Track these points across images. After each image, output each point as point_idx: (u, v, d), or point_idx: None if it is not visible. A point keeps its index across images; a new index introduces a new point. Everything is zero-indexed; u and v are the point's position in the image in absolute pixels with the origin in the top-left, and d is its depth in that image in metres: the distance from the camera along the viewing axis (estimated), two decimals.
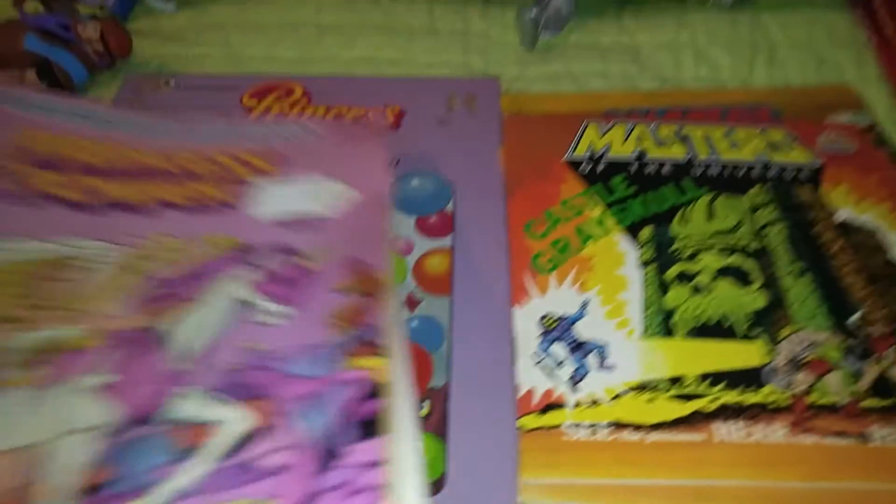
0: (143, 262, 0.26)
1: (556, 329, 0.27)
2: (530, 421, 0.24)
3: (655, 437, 0.23)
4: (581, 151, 0.33)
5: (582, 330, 0.26)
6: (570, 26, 0.44)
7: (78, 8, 0.42)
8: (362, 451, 0.20)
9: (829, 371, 0.25)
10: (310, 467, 0.20)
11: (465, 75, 0.41)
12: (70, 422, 0.21)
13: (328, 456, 0.20)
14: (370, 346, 0.23)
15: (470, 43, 0.43)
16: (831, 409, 0.24)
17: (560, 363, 0.25)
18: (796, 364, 0.26)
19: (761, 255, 0.29)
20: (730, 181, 0.32)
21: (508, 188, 0.32)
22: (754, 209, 0.31)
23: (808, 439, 0.23)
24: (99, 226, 0.27)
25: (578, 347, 0.26)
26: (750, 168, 0.32)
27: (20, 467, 0.20)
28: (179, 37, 0.44)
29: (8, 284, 0.24)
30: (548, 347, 0.26)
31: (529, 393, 0.25)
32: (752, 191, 0.31)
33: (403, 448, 0.20)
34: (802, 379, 0.25)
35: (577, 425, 0.24)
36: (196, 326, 0.23)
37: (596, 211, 0.30)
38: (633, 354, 0.25)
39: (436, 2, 0.45)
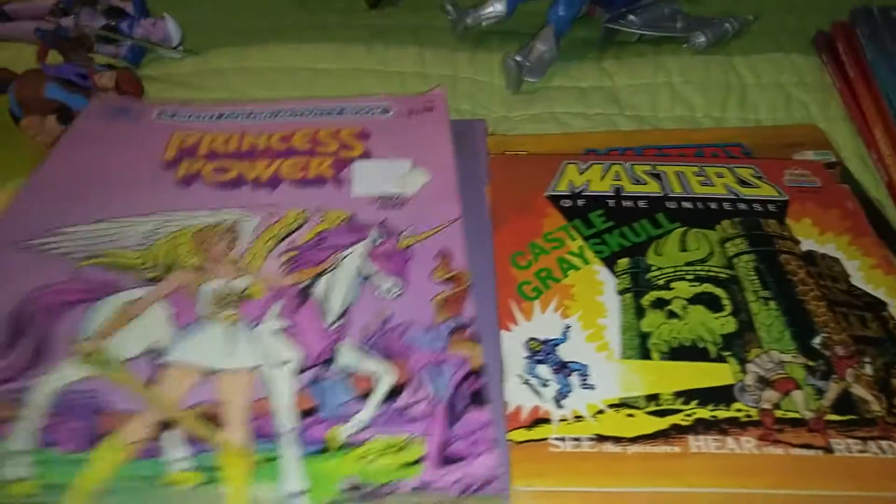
0: (279, 229, 0.33)
1: (541, 352, 0.29)
2: (519, 435, 0.26)
3: (635, 448, 0.26)
4: (562, 188, 0.37)
5: (565, 352, 0.29)
6: (552, 70, 0.48)
7: (94, 58, 0.45)
8: (476, 414, 0.26)
9: (794, 389, 0.28)
10: (442, 419, 0.25)
11: (453, 117, 0.45)
12: (272, 355, 0.27)
13: (453, 415, 0.26)
14: (463, 332, 0.29)
15: (458, 87, 0.48)
16: (797, 422, 0.27)
17: (545, 383, 0.28)
18: (764, 382, 0.28)
19: (731, 283, 0.32)
20: (701, 215, 0.35)
21: (495, 222, 0.35)
22: (724, 241, 0.34)
23: (777, 450, 0.26)
24: (237, 199, 0.35)
25: (562, 368, 0.28)
26: (720, 202, 0.36)
27: (252, 384, 0.26)
28: (186, 81, 0.48)
29: (185, 244, 0.32)
30: (534, 368, 0.28)
31: (518, 409, 0.27)
32: (723, 224, 0.34)
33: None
34: (770, 396, 0.28)
35: (562, 439, 0.26)
36: (330, 289, 0.30)
37: (576, 243, 0.33)
38: (612, 374, 0.28)
39: (426, 48, 0.50)
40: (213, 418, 0.25)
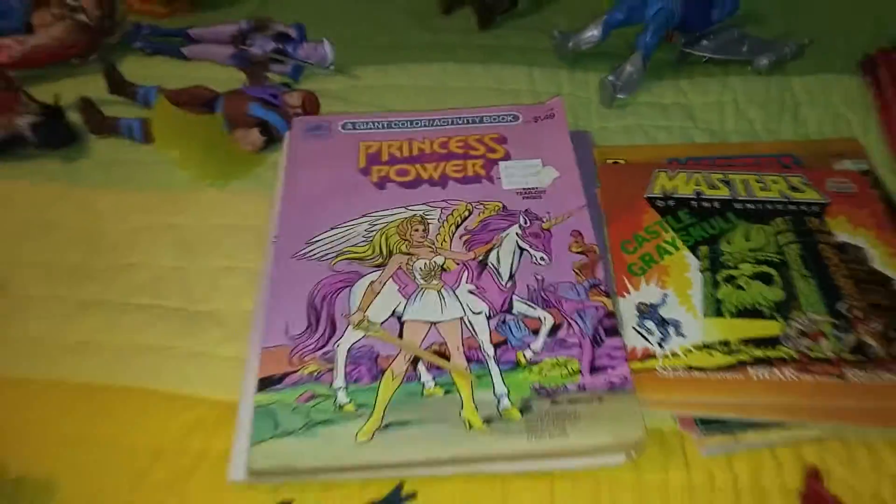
0: (455, 217, 0.48)
1: (648, 312, 0.45)
2: (634, 365, 0.42)
3: (714, 375, 0.41)
4: (656, 191, 0.51)
5: (664, 312, 0.44)
6: (639, 89, 0.62)
7: (269, 76, 0.61)
8: (612, 342, 0.42)
9: (822, 338, 0.43)
10: (589, 345, 0.41)
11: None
12: (470, 308, 0.43)
13: (596, 342, 0.41)
14: (599, 289, 0.45)
15: (561, 90, 0.62)
16: (824, 360, 0.42)
17: (651, 332, 0.43)
18: (802, 334, 0.43)
19: (781, 265, 0.47)
20: (760, 214, 0.50)
21: (607, 218, 0.50)
22: (777, 234, 0.48)
23: (807, 377, 0.41)
24: (420, 196, 0.50)
25: (662, 323, 0.44)
26: (775, 204, 0.50)
27: (461, 329, 0.43)
28: (342, 96, 0.63)
29: (394, 235, 0.48)
30: (643, 322, 0.44)
31: (633, 349, 0.43)
32: (776, 221, 0.49)
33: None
34: (806, 343, 0.43)
35: (664, 369, 0.42)
36: (499, 260, 0.46)
37: (669, 234, 0.48)
38: (697, 327, 0.43)
39: (534, 69, 0.64)
40: (442, 353, 0.42)
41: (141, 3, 0.71)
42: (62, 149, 0.58)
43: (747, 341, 0.43)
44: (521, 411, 0.39)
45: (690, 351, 0.43)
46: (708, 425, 0.41)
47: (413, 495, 0.38)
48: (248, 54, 0.62)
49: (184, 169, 0.56)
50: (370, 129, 0.56)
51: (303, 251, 0.47)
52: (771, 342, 0.43)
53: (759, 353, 0.42)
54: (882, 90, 0.60)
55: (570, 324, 0.43)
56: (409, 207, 0.50)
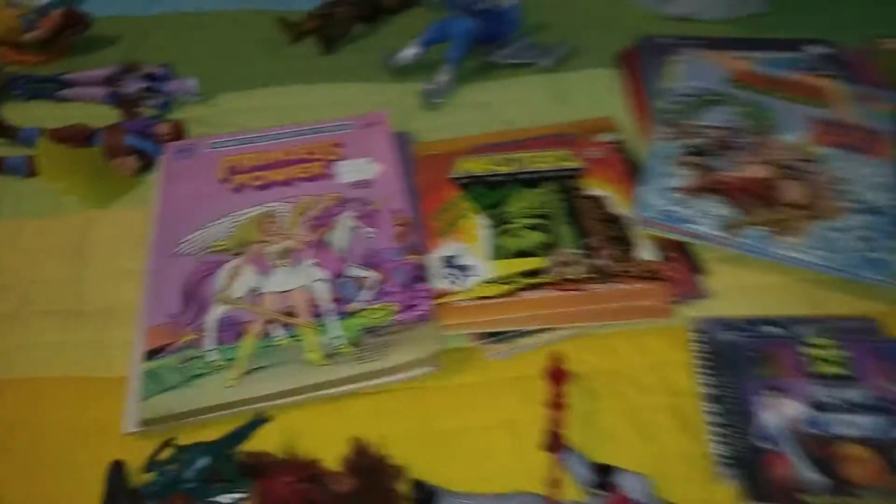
0: (301, 209, 0.62)
1: (449, 262, 0.60)
2: (439, 301, 0.57)
3: (495, 301, 0.57)
4: (458, 173, 0.67)
5: (460, 261, 0.60)
6: (453, 92, 0.77)
7: (143, 111, 0.72)
8: (421, 287, 0.57)
9: (574, 264, 0.59)
10: (405, 292, 0.56)
11: (393, 130, 0.74)
12: (311, 277, 0.57)
13: (410, 288, 0.56)
14: (412, 250, 0.59)
15: (393, 108, 0.76)
16: (574, 280, 0.58)
17: (451, 276, 0.59)
18: (561, 264, 0.59)
19: (548, 217, 0.63)
20: (535, 181, 0.66)
21: (420, 196, 0.65)
22: (546, 193, 0.65)
23: (562, 294, 0.57)
24: (272, 195, 0.64)
25: (459, 268, 0.59)
26: (547, 172, 0.67)
27: (306, 293, 0.56)
28: (205, 121, 0.75)
29: (250, 229, 0.61)
30: (444, 270, 0.59)
31: (438, 290, 0.58)
32: (546, 185, 0.66)
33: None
34: (562, 270, 0.59)
35: (460, 301, 0.57)
36: (338, 238, 0.60)
37: (466, 204, 0.64)
38: (485, 267, 0.59)
39: (368, 84, 0.80)
40: (292, 313, 0.55)
41: (16, 54, 0.80)
42: None
43: (520, 274, 0.59)
44: (353, 346, 0.54)
45: (480, 285, 0.58)
46: (493, 336, 0.57)
47: (268, 418, 0.51)
48: (120, 93, 0.74)
49: (70, 195, 0.67)
50: (229, 146, 0.69)
51: (176, 249, 0.60)
52: (537, 273, 0.59)
53: (528, 281, 0.59)
54: (630, 79, 0.79)
55: (390, 278, 0.58)
56: (263, 205, 0.63)
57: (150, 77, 0.76)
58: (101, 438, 0.52)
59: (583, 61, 0.82)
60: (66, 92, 0.77)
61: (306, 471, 0.46)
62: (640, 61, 0.79)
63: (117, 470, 0.48)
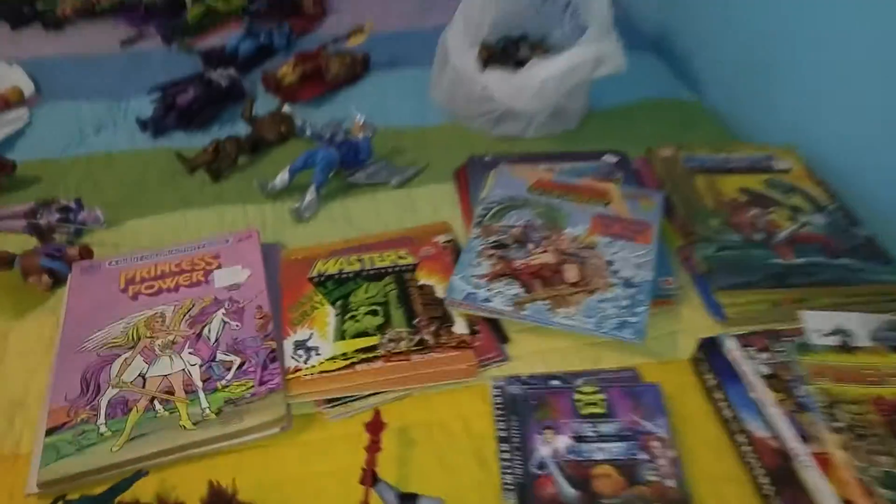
0: (183, 310, 0.79)
1: (300, 346, 0.76)
2: (290, 377, 0.74)
3: (336, 374, 0.74)
4: (314, 273, 0.85)
5: (309, 343, 0.77)
6: (319, 208, 0.97)
7: (56, 237, 0.89)
8: (273, 367, 0.74)
9: (402, 341, 0.76)
10: (260, 371, 0.73)
11: (265, 242, 0.92)
12: (187, 363, 0.74)
13: (265, 368, 0.74)
14: (269, 337, 0.76)
15: (268, 223, 0.96)
16: (401, 353, 0.75)
17: (300, 356, 0.75)
18: (391, 341, 0.76)
19: (385, 304, 0.81)
20: (378, 275, 0.85)
21: (282, 293, 0.83)
22: (385, 286, 0.83)
23: (390, 364, 0.74)
24: (161, 300, 0.80)
25: (308, 349, 0.76)
26: (388, 269, 0.85)
27: (183, 375, 0.70)
28: (109, 242, 0.92)
29: (142, 327, 0.78)
30: (295, 352, 0.75)
31: (289, 368, 0.74)
32: (386, 279, 0.84)
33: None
34: (392, 346, 0.76)
35: (306, 375, 0.73)
36: (211, 331, 0.76)
37: (318, 298, 0.82)
38: (329, 347, 0.77)
39: (247, 206, 0.99)
40: (171, 391, 0.71)
41: None
42: None
43: (357, 350, 0.76)
44: (216, 414, 0.69)
45: (323, 362, 0.75)
46: (333, 402, 0.73)
47: (146, 472, 0.65)
48: (38, 224, 0.90)
49: None
50: (127, 263, 0.86)
51: (79, 347, 0.76)
52: (372, 349, 0.76)
53: (363, 356, 0.76)
54: (462, 191, 1.00)
55: (249, 360, 0.74)
56: (153, 308, 0.80)
57: (64, 209, 0.93)
58: (9, 500, 0.65)
59: (427, 178, 1.04)
60: None
61: None
62: (468, 176, 1.01)
63: None
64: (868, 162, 0.98)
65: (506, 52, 1.25)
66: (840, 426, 0.63)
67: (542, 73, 0.99)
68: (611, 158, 1.05)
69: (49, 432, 0.68)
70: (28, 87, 1.20)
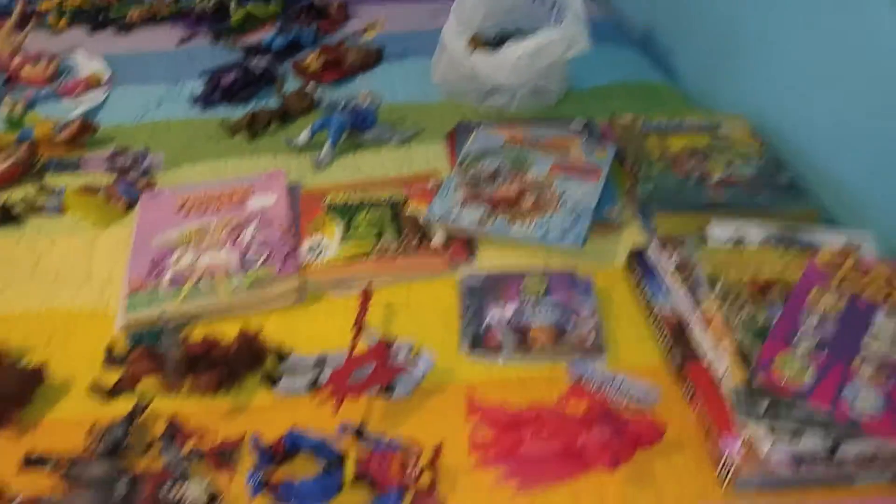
0: (225, 223, 1.09)
1: (313, 246, 1.02)
2: (306, 267, 0.99)
3: (338, 265, 0.99)
4: (326, 201, 1.12)
5: (321, 246, 1.03)
6: (332, 161, 1.25)
7: (130, 175, 1.18)
8: (292, 260, 1.04)
9: (394, 245, 1.02)
10: (283, 262, 1.04)
11: (291, 181, 1.20)
12: (227, 255, 1.07)
13: (286, 261, 1.05)
14: (290, 240, 1.04)
15: (292, 171, 1.24)
16: (389, 256, 1.01)
17: (313, 254, 1.01)
18: (386, 248, 1.02)
19: (380, 223, 1.08)
20: (376, 204, 1.12)
21: (300, 214, 1.10)
22: (382, 211, 1.10)
23: (382, 262, 1.00)
24: (207, 217, 1.10)
25: (318, 250, 1.02)
26: (384, 200, 1.12)
27: (223, 265, 0.99)
28: (172, 180, 1.21)
29: (193, 234, 1.06)
30: (308, 252, 1.02)
31: (305, 261, 1.00)
32: (383, 206, 1.11)
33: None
34: (385, 250, 1.02)
35: (317, 267, 0.99)
36: (246, 236, 1.06)
37: (329, 217, 1.09)
38: (335, 250, 1.03)
39: (277, 156, 1.27)
40: (214, 274, 0.98)
41: (50, 148, 1.28)
42: (14, 223, 1.13)
43: (357, 254, 1.03)
44: (247, 287, 0.96)
45: (329, 259, 1.02)
46: (337, 285, 0.99)
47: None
48: (116, 165, 1.21)
49: (85, 222, 1.11)
50: (182, 191, 1.16)
51: (148, 244, 1.05)
52: (367, 253, 1.03)
53: (359, 255, 1.02)
54: (450, 148, 1.27)
55: (274, 255, 1.01)
56: (200, 221, 1.08)
57: (135, 155, 1.24)
58: (104, 334, 0.94)
59: (423, 139, 1.32)
60: (82, 168, 1.25)
61: (214, 342, 0.86)
62: (457, 138, 1.28)
63: (110, 348, 0.89)
64: (809, 128, 1.21)
65: (500, 44, 1.53)
66: (718, 291, 0.86)
67: (518, 51, 1.27)
68: (578, 124, 1.31)
69: (128, 295, 0.97)
70: (105, 74, 1.54)
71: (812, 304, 0.83)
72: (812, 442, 0.73)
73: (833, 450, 0.73)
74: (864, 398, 0.73)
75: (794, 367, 0.76)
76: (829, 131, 1.16)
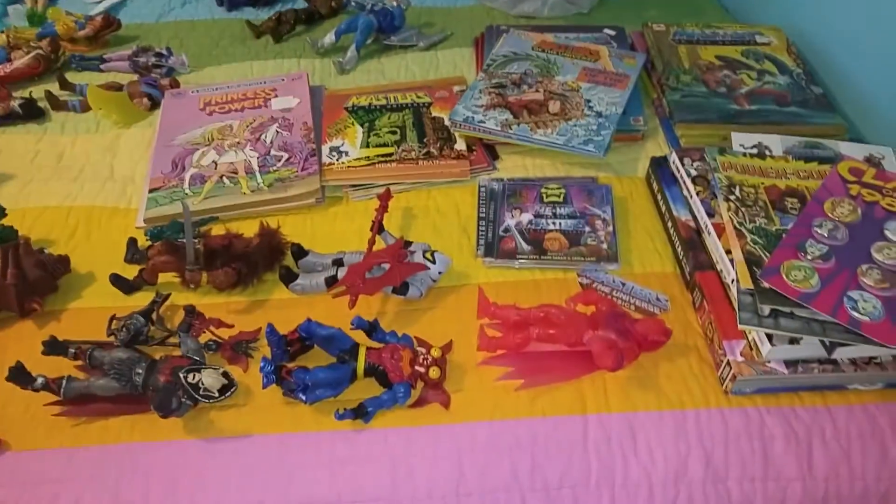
0: (247, 123, 1.12)
1: (335, 150, 1.04)
2: (326, 167, 1.02)
3: (360, 167, 1.02)
4: (349, 104, 1.13)
5: (342, 148, 1.05)
6: (357, 64, 1.25)
7: (153, 73, 1.20)
8: (312, 160, 1.08)
9: (414, 151, 1.04)
10: (304, 162, 1.10)
11: (313, 84, 1.21)
12: (248, 156, 1.11)
13: (307, 161, 1.10)
14: (311, 142, 1.07)
15: (316, 73, 1.25)
16: (411, 159, 1.02)
17: (334, 156, 1.03)
18: (405, 151, 1.04)
19: (403, 127, 1.09)
20: (399, 108, 1.12)
21: (323, 116, 1.11)
22: (405, 114, 1.10)
23: (402, 166, 1.02)
24: (230, 117, 1.13)
25: (340, 153, 1.04)
26: (408, 104, 1.12)
27: (244, 164, 1.01)
28: (195, 81, 1.22)
29: (218, 131, 1.08)
30: (330, 153, 1.04)
31: (325, 162, 1.02)
32: (406, 110, 1.11)
33: None
34: (404, 154, 1.03)
35: (339, 168, 1.02)
36: (268, 136, 1.09)
37: (350, 120, 1.10)
38: (356, 152, 1.05)
39: (301, 59, 1.27)
40: (235, 172, 1.01)
41: (72, 46, 1.30)
42: (37, 119, 1.16)
43: (378, 156, 1.04)
44: (268, 186, 0.99)
45: (350, 161, 1.04)
46: (356, 187, 1.01)
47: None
48: (139, 63, 1.22)
49: (108, 119, 1.14)
50: (206, 92, 1.18)
51: (170, 143, 1.07)
52: (389, 155, 1.04)
53: (381, 159, 1.04)
54: (478, 52, 1.25)
55: (295, 156, 1.03)
56: (224, 121, 1.10)
57: (158, 55, 1.25)
58: (126, 229, 0.98)
59: (451, 43, 1.31)
60: (106, 65, 1.27)
61: (235, 235, 0.90)
62: (485, 42, 1.26)
63: (133, 240, 0.93)
64: (846, 45, 1.16)
65: None
66: (733, 199, 0.86)
67: None
68: (609, 31, 1.28)
69: (150, 191, 1.00)
70: None
71: (828, 213, 0.84)
72: (810, 346, 0.75)
73: (829, 353, 0.75)
74: (865, 303, 0.74)
75: (801, 273, 0.77)
76: (863, 47, 1.12)
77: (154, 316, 0.85)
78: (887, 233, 0.82)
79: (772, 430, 0.76)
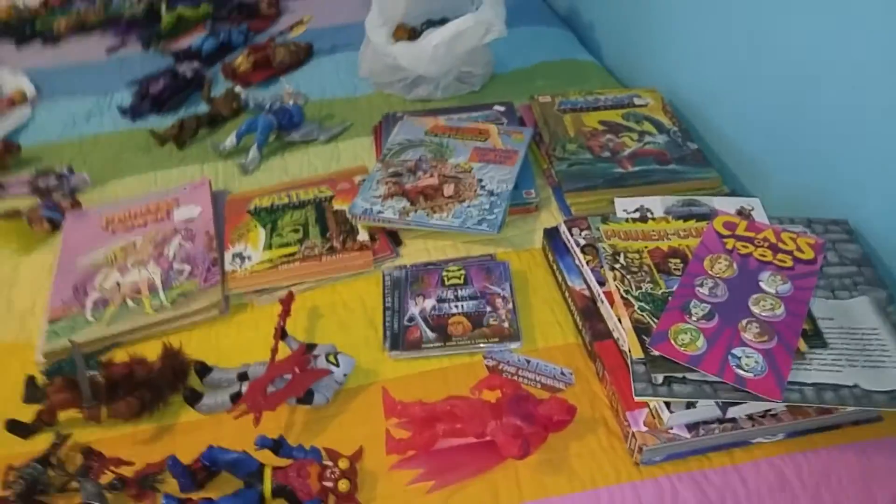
0: (150, 237, 1.04)
1: (237, 256, 0.99)
2: (229, 276, 0.96)
3: (262, 272, 0.97)
4: (251, 207, 1.09)
5: (243, 253, 1.00)
6: (260, 164, 1.21)
7: (54, 196, 1.13)
8: (215, 270, 1.00)
9: (318, 248, 0.99)
10: (205, 274, 1.02)
11: (216, 190, 1.16)
12: (151, 273, 1.03)
13: (209, 271, 1.02)
14: (213, 251, 1.00)
15: (219, 177, 1.20)
16: (314, 256, 0.98)
17: (237, 262, 0.98)
18: (309, 248, 0.99)
19: (305, 224, 1.05)
20: (301, 205, 1.08)
21: (225, 221, 1.06)
22: (307, 211, 1.06)
23: (305, 264, 0.97)
24: (133, 234, 1.05)
25: (241, 258, 0.99)
26: (310, 199, 1.08)
27: (148, 282, 0.94)
28: (97, 199, 1.16)
29: (118, 252, 1.02)
30: (232, 260, 0.98)
31: (227, 271, 0.97)
32: (308, 206, 1.07)
33: None
34: (307, 252, 0.99)
35: (241, 275, 0.96)
36: (170, 250, 1.02)
37: (253, 223, 1.05)
38: (258, 256, 1.00)
39: (204, 165, 1.23)
40: (138, 291, 0.94)
41: None
42: None
43: (280, 257, 1.00)
44: (171, 303, 0.93)
45: (253, 266, 0.99)
46: (259, 292, 0.96)
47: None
48: (38, 186, 1.15)
49: (7, 248, 1.07)
50: (108, 209, 1.11)
51: (71, 268, 1.01)
52: (292, 255, 0.99)
53: (284, 260, 0.99)
54: (376, 141, 1.23)
55: (197, 267, 0.98)
56: (126, 239, 1.04)
57: (59, 175, 1.18)
58: (24, 365, 0.89)
59: (351, 134, 1.28)
60: (3, 192, 1.19)
61: (137, 361, 0.83)
62: (383, 130, 1.23)
63: (31, 378, 0.85)
64: (715, 101, 1.18)
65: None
66: (618, 267, 0.84)
67: (435, 39, 1.22)
68: (499, 108, 1.27)
69: (51, 322, 0.93)
70: (30, 91, 1.46)
71: (707, 270, 0.82)
72: (706, 408, 0.72)
73: (724, 412, 0.72)
74: (748, 359, 0.73)
75: (687, 336, 0.75)
76: (727, 102, 1.14)
77: (54, 460, 0.77)
78: (761, 283, 0.81)
79: (685, 499, 0.72)
